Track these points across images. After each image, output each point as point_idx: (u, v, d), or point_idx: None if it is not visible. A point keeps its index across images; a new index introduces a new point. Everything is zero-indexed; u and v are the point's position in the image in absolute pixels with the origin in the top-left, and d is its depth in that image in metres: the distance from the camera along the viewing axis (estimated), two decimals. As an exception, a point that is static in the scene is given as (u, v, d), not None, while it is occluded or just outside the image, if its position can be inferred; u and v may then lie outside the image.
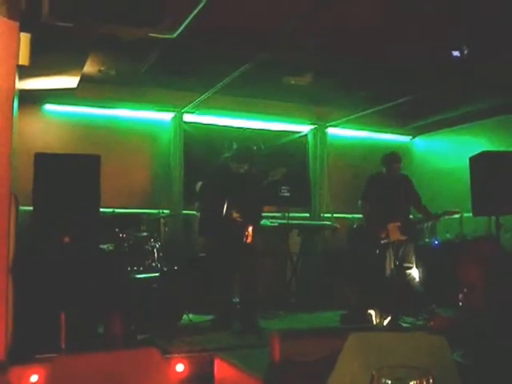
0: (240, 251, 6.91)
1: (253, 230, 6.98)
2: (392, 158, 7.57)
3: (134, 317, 6.28)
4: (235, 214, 6.87)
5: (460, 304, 7.08)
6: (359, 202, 7.74)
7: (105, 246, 7.06)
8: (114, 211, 8.03)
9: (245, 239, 6.89)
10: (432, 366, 3.15)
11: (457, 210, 7.62)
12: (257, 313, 7.07)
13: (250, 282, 7.02)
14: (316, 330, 6.38)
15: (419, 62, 7.02)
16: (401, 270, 7.31)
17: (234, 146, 9.43)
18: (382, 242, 7.30)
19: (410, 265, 7.42)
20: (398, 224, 7.18)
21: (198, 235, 8.44)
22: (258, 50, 6.71)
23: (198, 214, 8.23)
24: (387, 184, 7.50)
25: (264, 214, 7.63)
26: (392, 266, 7.28)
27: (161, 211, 8.49)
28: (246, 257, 6.98)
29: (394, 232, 7.18)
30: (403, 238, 7.31)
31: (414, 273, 7.43)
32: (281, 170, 8.59)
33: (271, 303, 8.15)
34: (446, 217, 7.66)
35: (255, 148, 7.17)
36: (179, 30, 5.42)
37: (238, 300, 7.25)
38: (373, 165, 8.26)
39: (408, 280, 7.35)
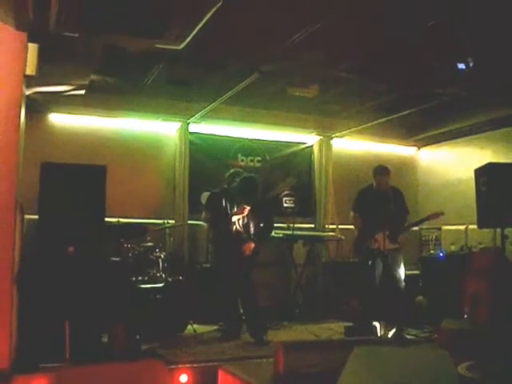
0: (240, 265, 6.96)
1: (255, 246, 7.09)
2: (378, 171, 7.61)
3: (138, 327, 6.28)
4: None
5: (465, 316, 7.07)
6: (350, 214, 7.85)
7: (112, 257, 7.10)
8: (119, 221, 8.03)
9: (243, 253, 7.00)
10: (436, 380, 3.15)
11: (441, 211, 7.62)
12: (262, 323, 7.07)
13: (248, 293, 7.04)
14: (320, 341, 6.36)
15: (424, 74, 7.02)
16: (390, 278, 7.32)
17: (239, 157, 9.52)
18: (373, 252, 7.34)
19: (400, 273, 7.41)
20: (387, 233, 7.18)
21: (208, 243, 8.51)
22: (264, 62, 6.73)
23: (207, 224, 8.27)
24: (376, 196, 7.53)
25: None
26: (382, 275, 7.31)
27: (166, 221, 8.50)
28: (243, 270, 7.03)
29: (383, 242, 7.18)
30: (393, 246, 7.32)
31: (402, 281, 7.43)
32: (290, 180, 8.63)
33: (276, 314, 8.14)
34: (431, 220, 7.67)
35: (258, 180, 7.25)
36: (186, 42, 5.43)
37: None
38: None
39: (397, 288, 7.34)
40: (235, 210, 7.08)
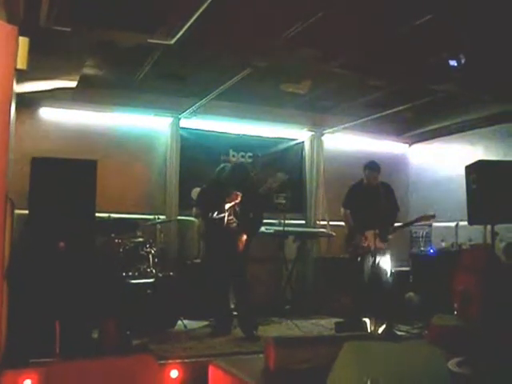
0: (234, 259, 6.93)
1: (247, 239, 7.04)
2: (368, 167, 7.59)
3: (128, 322, 6.26)
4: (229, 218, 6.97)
5: (455, 312, 7.10)
6: (341, 211, 7.83)
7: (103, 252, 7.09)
8: (109, 216, 8.01)
9: (237, 248, 6.96)
10: (426, 375, 3.16)
11: (433, 213, 7.62)
12: (254, 319, 7.08)
13: (243, 289, 7.04)
14: (311, 337, 6.37)
15: (417, 71, 7.03)
16: (377, 274, 7.30)
17: (230, 153, 9.51)
18: (362, 249, 7.33)
19: (386, 268, 7.40)
20: (376, 232, 7.17)
21: (199, 238, 8.49)
22: (256, 58, 6.72)
23: (198, 220, 8.26)
24: (366, 193, 7.51)
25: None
26: (370, 273, 7.29)
27: (156, 216, 8.48)
28: (238, 264, 7.02)
29: (372, 240, 7.17)
30: (382, 245, 7.31)
31: (389, 279, 7.43)
32: (280, 176, 8.60)
33: (266, 310, 8.14)
34: (423, 222, 7.69)
35: (249, 167, 7.21)
36: (177, 37, 5.42)
37: (233, 306, 7.28)
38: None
39: (383, 283, 7.33)
40: (227, 198, 6.99)
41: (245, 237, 7.02)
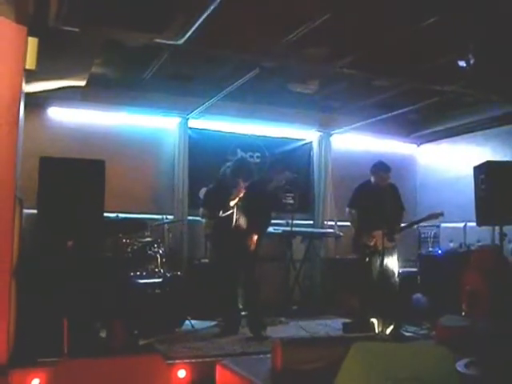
0: (244, 259, 6.92)
1: (257, 239, 7.02)
2: (379, 167, 7.51)
3: (136, 322, 6.28)
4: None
5: (463, 313, 7.08)
6: (346, 210, 7.75)
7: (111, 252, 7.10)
8: (117, 216, 8.03)
9: (248, 248, 6.94)
10: (435, 376, 3.15)
11: (441, 211, 7.57)
12: (263, 320, 7.08)
13: (252, 289, 7.04)
14: (318, 338, 6.37)
15: (425, 72, 7.01)
16: (385, 275, 7.26)
17: (239, 153, 9.50)
18: (370, 249, 7.29)
19: (394, 268, 7.36)
20: (385, 231, 7.13)
21: (206, 239, 8.49)
22: (264, 58, 6.72)
23: (204, 220, 8.25)
24: (374, 193, 7.43)
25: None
26: (378, 274, 7.25)
27: (165, 216, 8.49)
28: (247, 265, 7.01)
29: (380, 240, 7.12)
30: (390, 245, 7.27)
31: (396, 276, 7.38)
32: (287, 174, 8.57)
33: (274, 310, 8.13)
34: (431, 220, 7.64)
35: (251, 160, 7.13)
36: (186, 37, 5.42)
37: (242, 306, 7.28)
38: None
39: (391, 284, 7.29)
40: (232, 196, 6.93)
41: (255, 237, 7.01)
